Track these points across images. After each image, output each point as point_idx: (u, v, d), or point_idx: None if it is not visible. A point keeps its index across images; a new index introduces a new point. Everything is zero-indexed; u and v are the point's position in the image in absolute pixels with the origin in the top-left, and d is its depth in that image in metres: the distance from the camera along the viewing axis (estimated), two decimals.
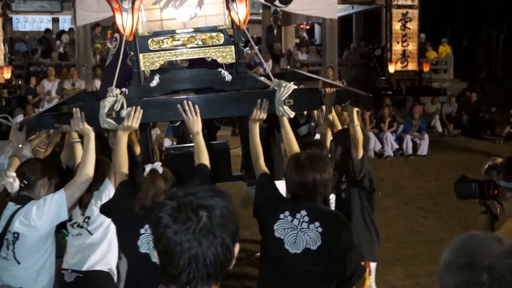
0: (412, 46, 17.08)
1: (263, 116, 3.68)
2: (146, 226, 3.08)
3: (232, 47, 4.34)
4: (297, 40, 20.37)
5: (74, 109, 3.55)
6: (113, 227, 3.52)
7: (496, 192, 3.00)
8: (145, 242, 3.07)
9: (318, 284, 3.10)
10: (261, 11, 19.54)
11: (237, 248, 1.63)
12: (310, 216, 3.11)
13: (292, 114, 3.76)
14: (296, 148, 3.70)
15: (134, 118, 3.47)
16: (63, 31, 19.29)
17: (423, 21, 17.33)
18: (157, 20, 4.46)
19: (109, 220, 3.54)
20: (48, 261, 3.44)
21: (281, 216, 3.13)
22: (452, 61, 18.51)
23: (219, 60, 4.37)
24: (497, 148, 14.43)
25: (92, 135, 3.50)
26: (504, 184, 2.87)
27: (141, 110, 3.51)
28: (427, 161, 13.41)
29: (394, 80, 16.95)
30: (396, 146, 14.15)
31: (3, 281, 3.38)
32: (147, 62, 4.38)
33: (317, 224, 3.08)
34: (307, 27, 23.32)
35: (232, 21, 4.38)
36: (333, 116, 4.89)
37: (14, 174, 3.40)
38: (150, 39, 4.40)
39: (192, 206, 1.56)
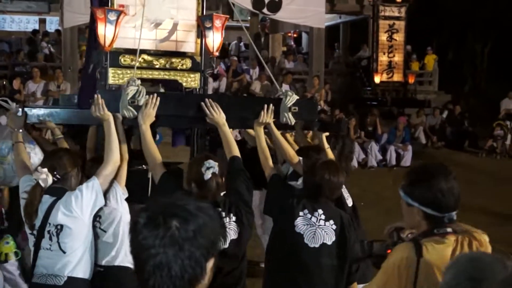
0: (398, 57, 17.21)
1: (270, 120, 4.02)
2: None
3: (198, 73, 4.69)
4: (284, 48, 20.43)
5: (95, 95, 3.75)
6: (124, 222, 3.66)
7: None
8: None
9: (332, 275, 3.51)
10: (249, 18, 19.58)
11: (210, 264, 1.61)
12: (326, 215, 3.52)
13: (293, 121, 4.14)
14: (292, 153, 4.09)
15: (153, 105, 3.72)
16: (47, 33, 19.18)
17: (409, 32, 17.46)
18: (131, 38, 4.64)
19: (119, 215, 3.69)
20: (89, 249, 3.55)
21: (301, 213, 3.50)
22: (437, 73, 18.67)
23: (184, 84, 4.67)
24: (479, 161, 14.59)
25: (111, 119, 3.69)
26: (402, 196, 2.71)
27: (159, 98, 3.76)
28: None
29: (379, 91, 17.05)
30: (380, 156, 14.22)
31: (49, 271, 3.46)
32: (115, 76, 4.53)
33: (331, 222, 3.51)
34: (295, 35, 23.40)
35: (201, 49, 4.74)
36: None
37: (46, 170, 3.46)
38: (122, 55, 4.57)
39: (166, 215, 1.56)
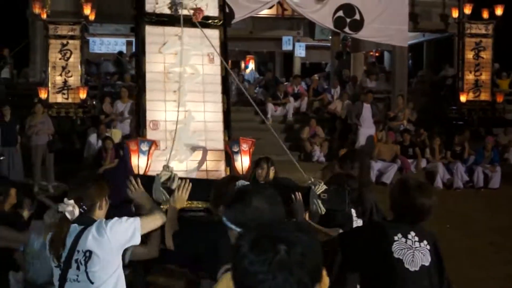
0: (485, 76, 16.63)
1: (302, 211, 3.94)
2: None
3: None
4: (365, 67, 20.27)
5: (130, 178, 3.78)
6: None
7: None
8: None
9: None
10: (330, 37, 19.57)
11: None
12: (419, 236, 3.44)
13: (324, 211, 4.08)
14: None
15: (184, 189, 3.63)
16: (133, 54, 19.91)
17: (497, 50, 16.87)
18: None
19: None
20: (120, 282, 3.42)
21: (396, 238, 3.41)
22: None
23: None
24: None
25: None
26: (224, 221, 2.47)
27: (190, 184, 3.68)
28: (499, 194, 12.94)
29: (465, 110, 16.53)
30: (466, 178, 13.75)
31: None
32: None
33: (425, 242, 3.45)
34: (377, 54, 23.16)
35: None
36: None
37: (72, 202, 3.37)
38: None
39: (272, 239, 1.51)
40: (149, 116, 5.27)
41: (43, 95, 13.92)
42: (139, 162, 4.61)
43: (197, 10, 5.55)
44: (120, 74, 17.86)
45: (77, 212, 3.37)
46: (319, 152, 14.38)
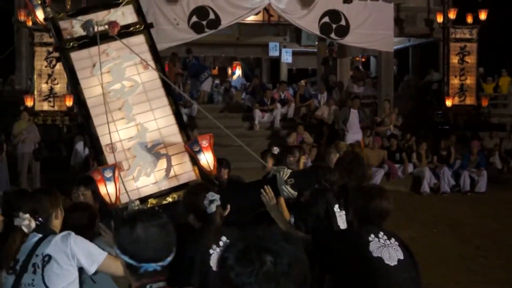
0: (470, 80, 16.78)
1: (274, 201, 4.05)
2: None
3: None
4: (351, 73, 20.37)
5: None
6: None
7: None
8: None
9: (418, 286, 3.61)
10: (316, 43, 19.64)
11: None
12: (386, 235, 3.59)
13: (295, 194, 4.22)
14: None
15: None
16: None
17: (482, 54, 17.03)
18: (134, 189, 4.93)
19: None
20: None
21: (370, 239, 3.53)
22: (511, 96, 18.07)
23: None
24: None
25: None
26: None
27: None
28: (486, 198, 13.03)
29: (451, 115, 16.65)
30: (452, 182, 13.82)
31: None
32: None
33: (393, 239, 3.58)
34: (363, 59, 23.27)
35: (201, 173, 4.94)
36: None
37: (28, 216, 3.37)
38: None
39: (258, 249, 1.50)
40: (103, 141, 5.19)
41: (29, 102, 13.84)
42: (108, 190, 4.59)
43: (111, 24, 5.45)
44: None
45: (33, 225, 3.39)
46: (307, 158, 14.37)
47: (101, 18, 5.59)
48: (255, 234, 1.57)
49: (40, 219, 3.44)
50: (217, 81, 21.11)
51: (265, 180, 4.40)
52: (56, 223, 3.54)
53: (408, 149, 14.43)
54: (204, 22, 13.51)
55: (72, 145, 13.59)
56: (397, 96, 17.63)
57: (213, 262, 3.34)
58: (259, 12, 15.98)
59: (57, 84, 14.15)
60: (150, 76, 5.59)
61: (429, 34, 18.01)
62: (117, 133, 5.26)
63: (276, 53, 21.89)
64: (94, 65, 5.49)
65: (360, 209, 3.67)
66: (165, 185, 5.08)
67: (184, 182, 5.00)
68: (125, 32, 5.59)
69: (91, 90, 5.43)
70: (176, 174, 5.17)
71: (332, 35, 14.57)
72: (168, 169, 5.16)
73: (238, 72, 24.92)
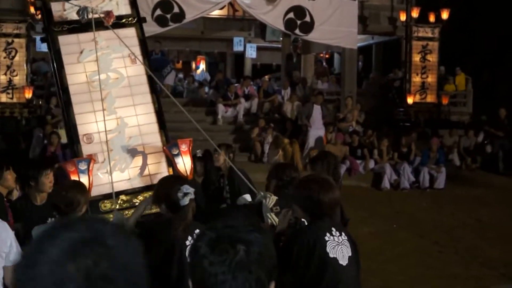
0: (431, 78, 17.04)
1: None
2: None
3: None
4: (316, 68, 20.46)
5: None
6: None
7: None
8: None
9: (359, 284, 3.56)
10: (281, 39, 19.66)
11: (272, 286, 1.58)
12: (338, 231, 3.48)
13: (277, 221, 3.98)
14: None
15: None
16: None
17: (443, 53, 17.30)
18: (107, 183, 4.92)
19: None
20: None
21: (326, 238, 3.42)
22: (471, 95, 18.41)
23: None
24: None
25: None
26: None
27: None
28: (444, 194, 13.26)
29: (412, 112, 16.89)
30: (412, 178, 14.03)
31: None
32: None
33: (343, 234, 3.48)
34: (327, 56, 23.40)
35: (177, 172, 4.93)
36: None
37: None
38: (101, 201, 4.86)
39: (231, 239, 1.53)
40: (81, 130, 5.10)
41: None
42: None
43: (107, 14, 5.36)
44: None
45: None
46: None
47: (95, 5, 5.47)
48: (226, 224, 1.59)
49: None
50: (180, 75, 20.96)
51: (251, 205, 4.40)
52: None
53: (369, 145, 14.59)
54: (168, 16, 13.36)
55: (31, 137, 13.34)
56: (360, 93, 17.78)
57: None
58: (224, 6, 15.90)
59: (16, 76, 13.88)
60: (136, 71, 5.49)
61: (392, 32, 18.22)
62: (96, 124, 5.17)
63: (241, 48, 21.85)
64: (81, 52, 5.38)
65: (313, 203, 3.47)
66: (138, 183, 5.06)
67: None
68: (118, 23, 5.50)
69: (75, 77, 5.31)
70: (150, 173, 5.13)
71: (297, 31, 14.58)
72: (143, 167, 5.12)
73: (202, 66, 24.80)
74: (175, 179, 3.63)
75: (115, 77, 5.38)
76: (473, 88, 18.47)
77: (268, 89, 17.43)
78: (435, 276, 7.42)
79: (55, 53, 5.32)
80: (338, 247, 3.44)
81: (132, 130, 5.25)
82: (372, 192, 13.41)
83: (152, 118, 5.35)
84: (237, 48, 21.83)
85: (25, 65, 13.97)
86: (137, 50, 5.53)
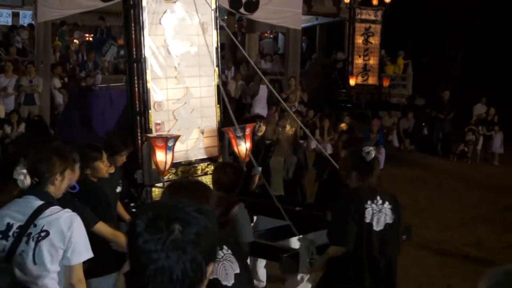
0: (373, 61, 17.32)
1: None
2: None
3: None
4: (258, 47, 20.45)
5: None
6: None
7: None
8: None
9: (393, 248, 4.09)
10: (225, 17, 19.52)
11: (210, 268, 1.58)
12: (382, 199, 4.00)
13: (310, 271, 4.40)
14: None
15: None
16: (22, 27, 18.90)
17: (384, 36, 17.58)
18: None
19: None
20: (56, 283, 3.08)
21: (366, 206, 3.94)
22: (411, 77, 18.83)
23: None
24: (450, 165, 14.75)
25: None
26: None
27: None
28: (383, 174, 13.48)
29: (354, 93, 17.15)
30: None
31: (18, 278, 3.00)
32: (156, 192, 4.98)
33: (387, 203, 4.01)
34: (271, 35, 23.41)
35: (223, 152, 5.22)
36: None
37: (25, 171, 3.08)
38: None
39: (167, 218, 1.52)
40: (154, 97, 4.91)
41: None
42: (166, 158, 4.63)
43: None
44: (5, 47, 16.85)
45: (28, 182, 3.09)
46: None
47: None
48: (167, 203, 1.60)
49: (35, 178, 3.09)
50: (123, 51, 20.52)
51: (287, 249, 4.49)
52: (52, 189, 3.12)
53: (311, 125, 14.73)
54: None
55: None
56: (304, 73, 17.92)
57: None
58: None
59: None
60: (206, 41, 5.34)
61: (336, 14, 18.38)
62: (167, 91, 5.02)
63: None
64: (164, 13, 5.18)
65: (357, 166, 4.04)
66: (194, 155, 5.08)
67: (208, 156, 5.18)
68: None
69: (154, 39, 5.10)
70: (204, 146, 5.10)
71: (242, 10, 14.39)
72: (199, 140, 5.07)
73: None
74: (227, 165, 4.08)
75: (189, 44, 5.24)
76: (413, 71, 18.89)
77: None
78: None
79: (137, 8, 5.08)
80: (375, 216, 3.94)
81: (195, 101, 5.16)
82: (313, 172, 13.56)
83: (212, 91, 5.26)
84: None
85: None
86: (208, 19, 5.40)
